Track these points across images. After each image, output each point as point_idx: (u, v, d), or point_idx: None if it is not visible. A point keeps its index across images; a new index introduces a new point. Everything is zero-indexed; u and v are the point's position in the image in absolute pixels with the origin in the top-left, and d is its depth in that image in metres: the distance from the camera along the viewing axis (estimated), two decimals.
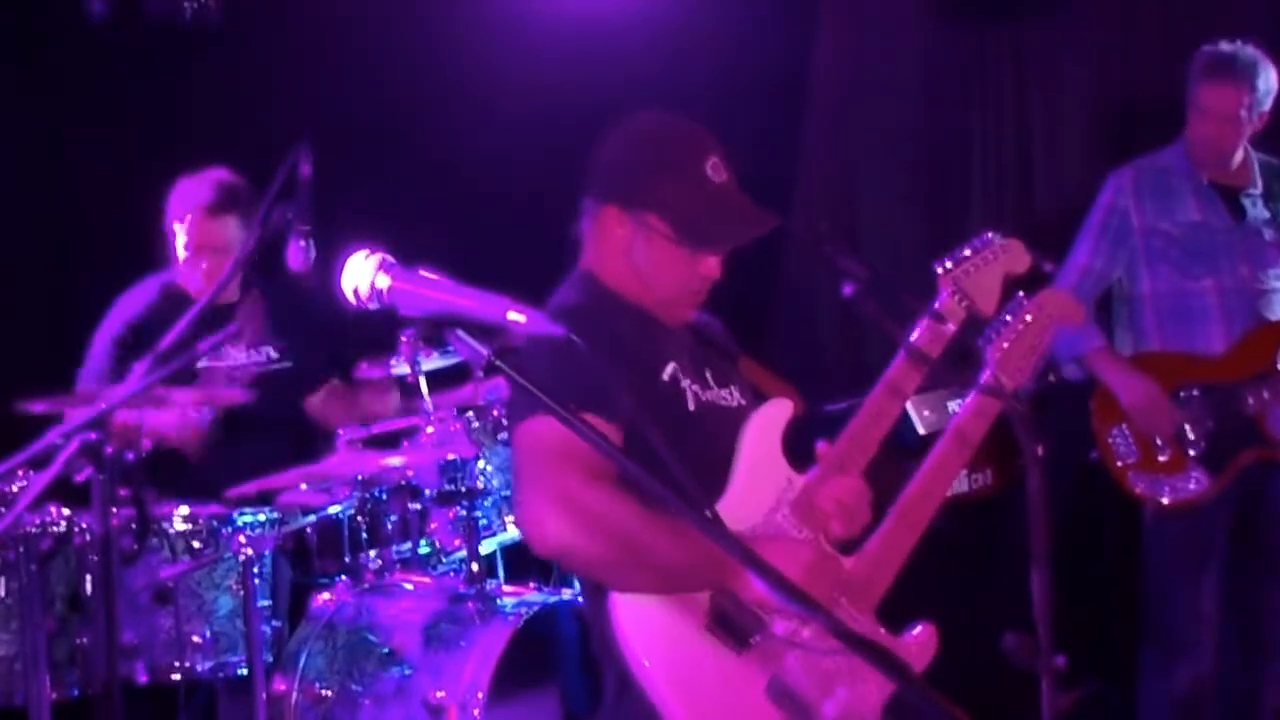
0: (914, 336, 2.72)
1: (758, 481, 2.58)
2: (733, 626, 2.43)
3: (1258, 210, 4.21)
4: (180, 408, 3.96)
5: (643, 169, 2.62)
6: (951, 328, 2.75)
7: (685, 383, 2.60)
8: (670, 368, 2.59)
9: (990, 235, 2.91)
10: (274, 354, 4.29)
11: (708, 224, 2.59)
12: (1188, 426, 4.07)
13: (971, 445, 2.76)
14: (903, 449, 3.01)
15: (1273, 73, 4.16)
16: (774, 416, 2.65)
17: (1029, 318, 2.88)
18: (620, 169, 2.64)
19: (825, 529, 2.59)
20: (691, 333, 2.74)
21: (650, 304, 2.66)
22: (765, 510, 2.56)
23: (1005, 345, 2.84)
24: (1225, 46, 4.18)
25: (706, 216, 2.59)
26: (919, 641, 2.67)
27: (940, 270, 2.83)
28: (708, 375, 2.68)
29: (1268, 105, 4.17)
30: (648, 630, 2.40)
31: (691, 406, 2.59)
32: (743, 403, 2.70)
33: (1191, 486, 4.08)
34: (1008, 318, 2.89)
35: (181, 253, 4.21)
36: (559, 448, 2.34)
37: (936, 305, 2.78)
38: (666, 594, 2.41)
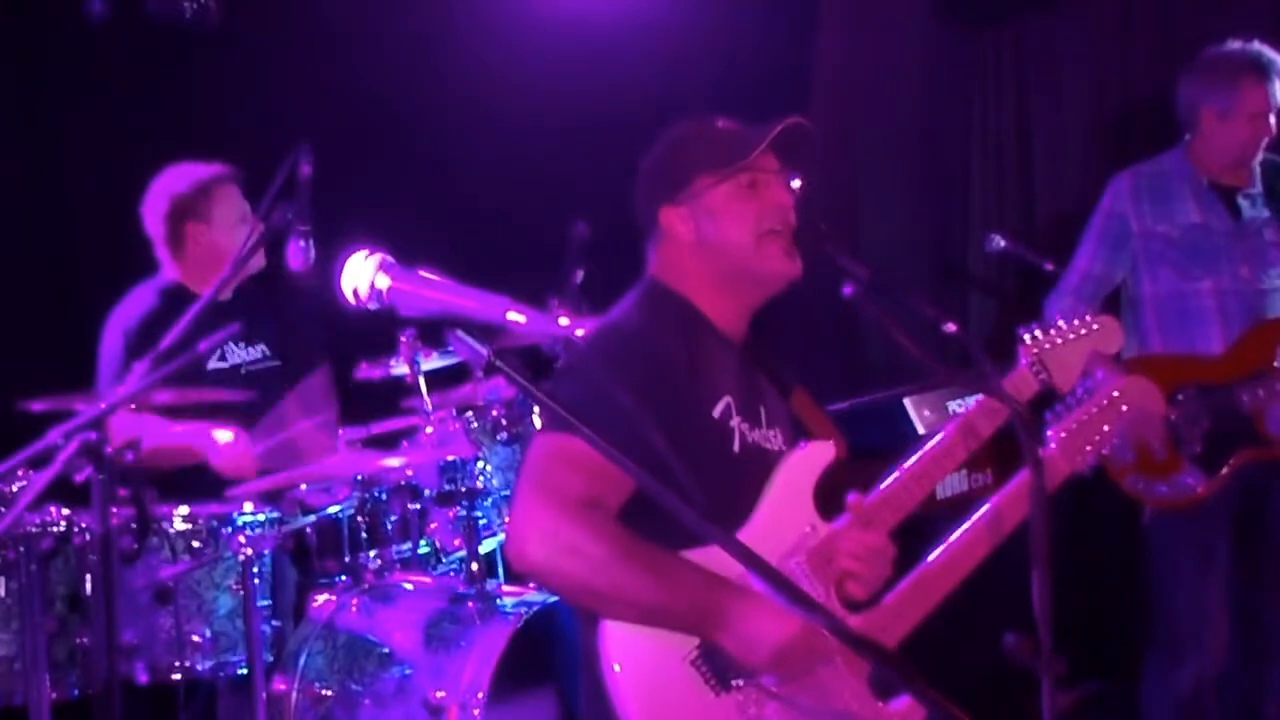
0: (973, 406, 2.66)
1: (778, 523, 2.51)
2: (717, 666, 2.39)
3: (1256, 210, 4.21)
4: (232, 441, 3.96)
5: (669, 160, 2.63)
6: (1006, 410, 2.64)
7: (735, 421, 2.54)
8: (723, 404, 2.53)
9: (1086, 313, 2.88)
10: (267, 350, 4.29)
11: (744, 139, 2.58)
12: (1183, 426, 4.07)
13: (1005, 530, 2.67)
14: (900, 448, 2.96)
15: None
16: (812, 458, 2.58)
17: (1104, 402, 2.82)
18: (653, 178, 2.64)
19: (839, 584, 2.52)
20: (753, 357, 2.68)
21: (727, 304, 2.59)
22: (780, 554, 2.49)
23: (1073, 427, 2.78)
24: (1240, 46, 4.18)
25: (739, 136, 2.59)
26: (900, 713, 2.57)
27: (1026, 338, 2.78)
28: (760, 412, 2.62)
29: None
30: (631, 646, 2.37)
31: (736, 448, 2.53)
32: (783, 448, 2.63)
33: (1188, 486, 4.08)
34: (1082, 396, 2.85)
35: (220, 231, 4.19)
36: (563, 469, 2.33)
37: (1009, 375, 2.73)
38: (646, 627, 2.38)
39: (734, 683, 2.40)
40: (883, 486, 2.61)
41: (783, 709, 2.42)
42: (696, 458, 2.39)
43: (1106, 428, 2.80)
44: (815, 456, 2.58)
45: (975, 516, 2.69)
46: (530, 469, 2.41)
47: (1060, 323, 2.84)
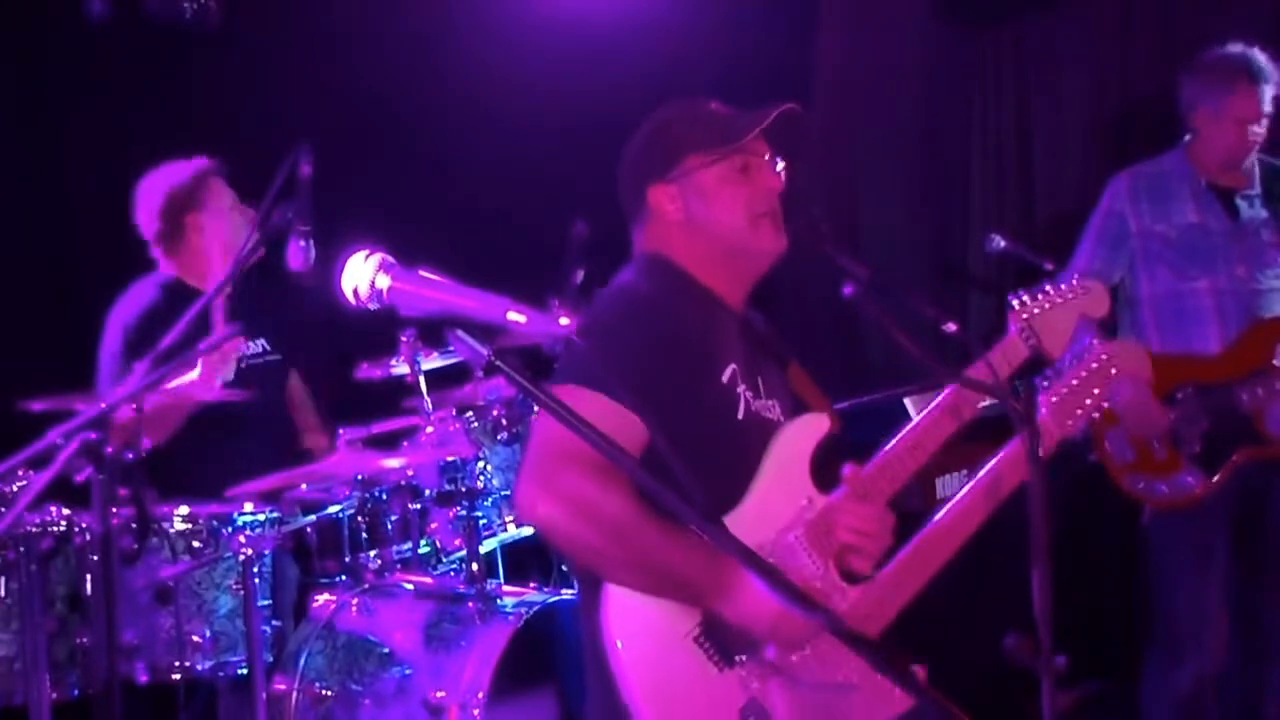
0: (967, 370, 2.65)
1: (776, 496, 2.51)
2: (720, 642, 2.40)
3: (1254, 210, 4.22)
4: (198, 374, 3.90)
5: (658, 139, 2.64)
6: (1008, 370, 2.67)
7: (741, 388, 2.55)
8: (730, 370, 2.54)
9: (1074, 276, 2.86)
10: (267, 345, 4.28)
11: (738, 122, 2.60)
12: (1183, 426, 4.07)
13: (1002, 494, 2.66)
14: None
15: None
16: (806, 431, 2.58)
17: (1094, 365, 2.81)
18: (642, 155, 2.65)
19: (838, 557, 2.52)
20: (750, 331, 2.69)
21: (723, 279, 2.60)
22: (779, 527, 2.50)
23: (1063, 391, 2.78)
24: (1238, 50, 4.19)
25: (733, 119, 2.61)
26: None
27: (1015, 304, 2.78)
28: (759, 382, 2.62)
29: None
30: (633, 626, 2.38)
31: (741, 415, 2.53)
32: (781, 419, 2.64)
33: (1187, 485, 4.08)
34: (1071, 361, 2.83)
35: (216, 219, 4.20)
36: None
37: (1000, 342, 2.73)
38: (650, 595, 2.39)
39: (737, 658, 2.41)
40: (878, 457, 2.60)
41: (786, 683, 2.43)
42: (705, 422, 2.42)
43: (1096, 391, 2.80)
44: (810, 429, 2.59)
45: (973, 481, 2.68)
46: (545, 426, 2.41)
47: (1048, 288, 2.83)
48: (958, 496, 2.68)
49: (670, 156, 2.60)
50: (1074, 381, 2.81)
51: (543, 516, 2.37)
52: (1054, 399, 2.78)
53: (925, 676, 2.52)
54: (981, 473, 2.69)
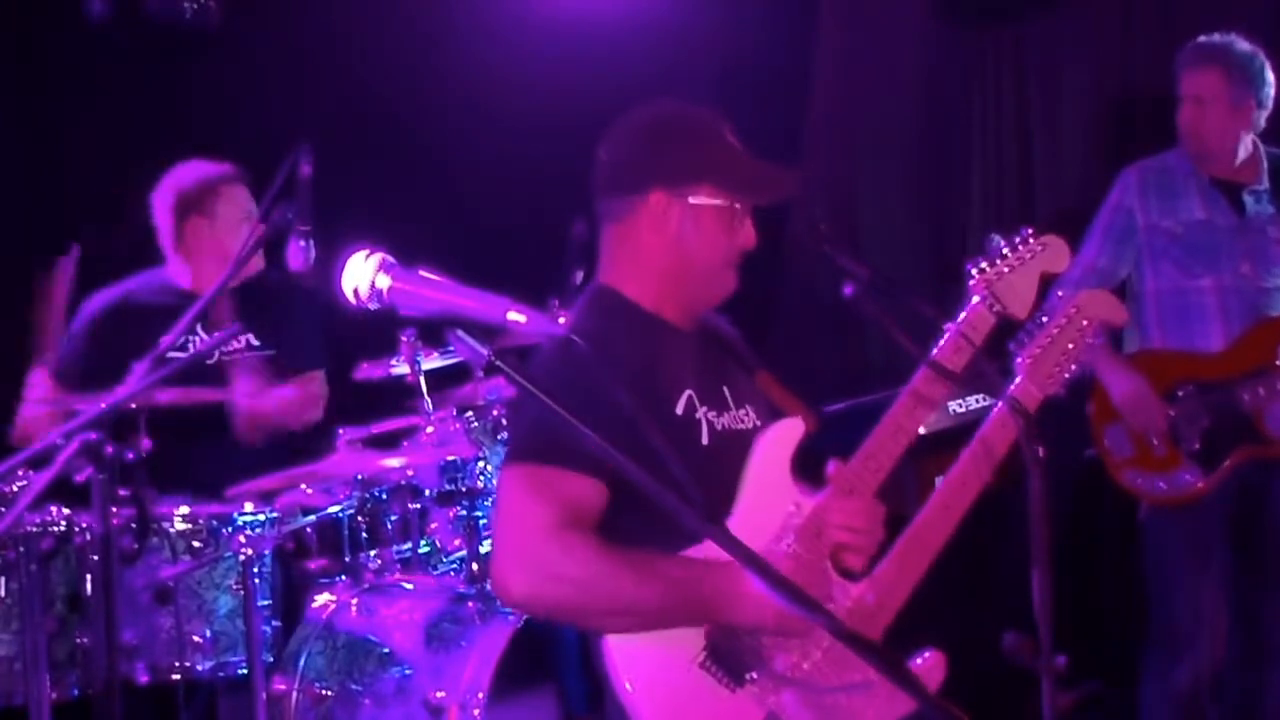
0: (937, 348, 2.62)
1: (762, 506, 2.48)
2: (728, 663, 2.38)
3: (1261, 206, 4.20)
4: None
5: (680, 145, 2.57)
6: (978, 341, 2.63)
7: (701, 412, 2.52)
8: (684, 398, 2.51)
9: (1029, 231, 2.78)
10: (254, 341, 4.27)
11: (756, 179, 2.58)
12: (1183, 423, 4.07)
13: (996, 459, 2.64)
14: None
15: (1260, 62, 4.16)
16: (783, 437, 2.55)
17: (1065, 320, 2.77)
18: (653, 154, 2.57)
19: (834, 557, 2.50)
20: (712, 341, 2.67)
21: (675, 307, 2.58)
22: (769, 537, 2.47)
23: (1037, 351, 2.74)
24: (1204, 38, 4.20)
25: (750, 173, 2.58)
26: (925, 667, 2.57)
27: (974, 272, 2.72)
28: (726, 394, 2.60)
29: (1261, 93, 4.15)
30: (638, 664, 2.37)
31: (705, 440, 2.50)
32: (758, 423, 2.62)
33: (1186, 482, 4.08)
34: (1043, 319, 2.78)
35: (223, 228, 4.21)
36: (529, 498, 2.33)
37: (964, 313, 2.68)
38: (646, 632, 2.37)
39: (747, 676, 2.40)
40: (859, 450, 2.56)
41: (800, 692, 2.42)
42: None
43: (1071, 345, 2.76)
44: (786, 434, 2.56)
45: (964, 452, 2.65)
46: (501, 505, 2.41)
47: (1005, 250, 2.76)
48: (951, 469, 2.65)
49: (690, 174, 2.54)
50: (1047, 340, 2.76)
51: (518, 597, 2.37)
52: (1029, 360, 2.74)
53: (944, 663, 2.54)
54: (972, 441, 2.66)
